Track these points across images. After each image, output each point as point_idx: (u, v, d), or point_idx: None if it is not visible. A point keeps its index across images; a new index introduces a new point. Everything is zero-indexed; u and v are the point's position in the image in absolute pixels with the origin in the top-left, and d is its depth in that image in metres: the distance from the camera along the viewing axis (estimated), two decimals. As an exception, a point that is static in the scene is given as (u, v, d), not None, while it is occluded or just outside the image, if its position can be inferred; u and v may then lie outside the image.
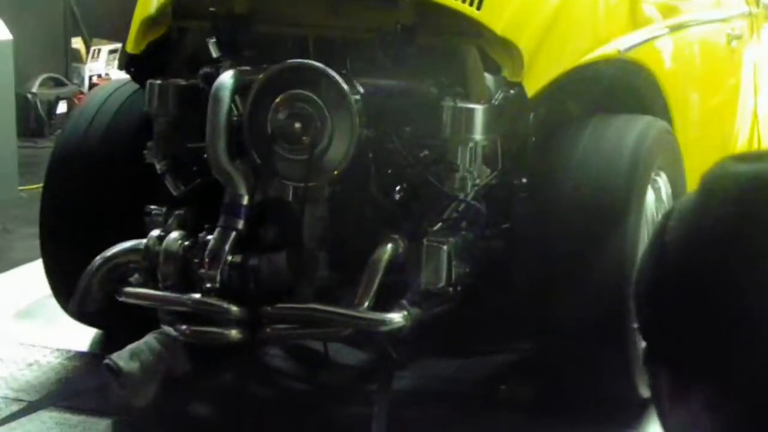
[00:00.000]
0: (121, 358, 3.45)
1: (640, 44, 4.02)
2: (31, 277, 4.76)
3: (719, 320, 1.02)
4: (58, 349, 4.19)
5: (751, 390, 1.01)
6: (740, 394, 1.02)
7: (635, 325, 1.10)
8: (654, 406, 1.09)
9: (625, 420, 3.60)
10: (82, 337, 4.25)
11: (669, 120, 4.08)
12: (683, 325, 1.04)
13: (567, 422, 3.66)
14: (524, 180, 3.71)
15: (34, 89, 7.69)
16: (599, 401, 3.59)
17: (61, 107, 7.77)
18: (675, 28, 4.37)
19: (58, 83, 8.01)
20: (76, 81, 8.24)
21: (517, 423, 3.72)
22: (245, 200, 3.54)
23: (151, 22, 3.91)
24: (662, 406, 1.08)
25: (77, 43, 8.39)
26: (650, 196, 3.78)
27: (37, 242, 4.29)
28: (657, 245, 1.08)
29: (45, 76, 7.85)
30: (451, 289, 3.51)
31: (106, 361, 3.47)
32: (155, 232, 3.62)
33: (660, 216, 1.13)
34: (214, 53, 3.75)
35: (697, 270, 1.03)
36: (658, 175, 3.85)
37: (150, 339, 3.51)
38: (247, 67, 3.67)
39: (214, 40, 3.75)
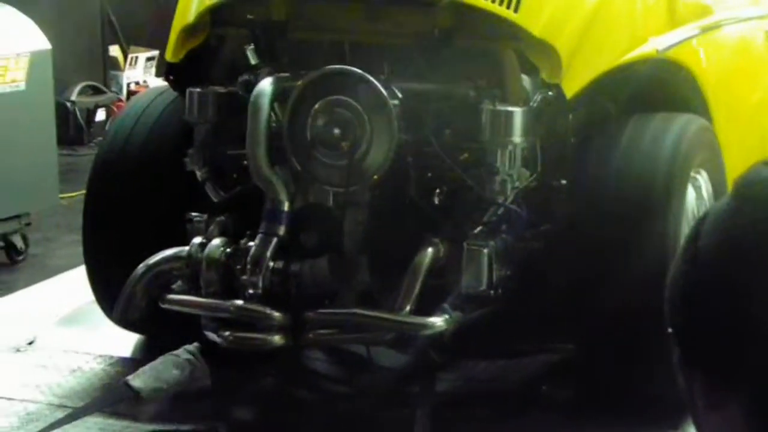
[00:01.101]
0: (138, 377, 3.47)
1: (678, 43, 4.01)
2: (73, 284, 4.79)
3: (753, 325, 1.02)
4: (101, 356, 4.21)
5: None
6: None
7: (669, 330, 1.10)
8: (688, 410, 1.09)
9: (667, 420, 3.59)
10: (125, 343, 4.27)
11: (708, 119, 4.06)
12: (717, 330, 1.04)
13: (607, 422, 3.65)
14: (564, 182, 3.70)
15: (73, 97, 7.76)
16: (641, 401, 3.58)
17: (100, 115, 7.83)
18: (712, 27, 4.35)
19: (97, 91, 8.07)
20: (114, 89, 8.30)
21: (558, 423, 3.72)
22: (286, 206, 3.55)
23: (190, 31, 3.94)
24: (696, 412, 1.08)
25: (115, 51, 8.45)
26: (691, 193, 3.77)
27: (78, 249, 4.32)
28: (690, 250, 1.07)
29: (83, 84, 7.91)
30: (491, 291, 3.52)
31: (125, 381, 3.49)
32: (197, 239, 3.64)
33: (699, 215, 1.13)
34: (253, 60, 3.76)
35: (730, 275, 1.03)
36: (698, 172, 3.84)
37: (168, 358, 3.54)
38: (286, 74, 3.69)
39: (252, 47, 3.76)
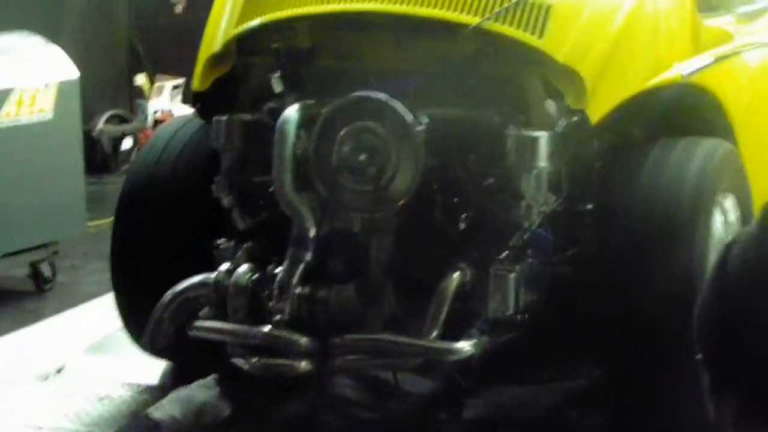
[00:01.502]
0: (159, 409, 3.49)
1: (702, 68, 4.01)
2: (101, 312, 4.82)
3: None
4: (128, 383, 4.23)
5: None
6: None
7: (698, 356, 1.10)
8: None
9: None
10: (152, 370, 4.29)
11: (734, 143, 4.06)
12: (748, 355, 1.04)
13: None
14: (590, 206, 3.71)
15: (100, 126, 7.81)
16: (670, 427, 3.57)
17: (126, 143, 7.88)
18: (737, 51, 4.35)
19: (123, 120, 8.12)
20: (140, 117, 8.36)
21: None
22: (312, 232, 3.56)
23: (216, 60, 3.97)
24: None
25: (141, 79, 8.51)
26: (718, 218, 3.76)
27: (106, 277, 4.34)
28: (718, 276, 1.09)
29: (110, 113, 7.97)
30: (519, 316, 3.52)
31: (147, 412, 3.50)
32: (224, 266, 3.66)
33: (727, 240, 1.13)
34: (278, 88, 3.79)
35: (758, 301, 1.04)
36: (725, 197, 3.83)
37: (189, 389, 3.55)
38: (311, 101, 3.71)
39: (278, 75, 3.79)
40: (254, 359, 3.52)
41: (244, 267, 3.61)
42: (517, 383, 4.17)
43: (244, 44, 3.93)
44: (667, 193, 3.61)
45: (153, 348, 3.90)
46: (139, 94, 8.47)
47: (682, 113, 3.97)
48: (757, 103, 4.46)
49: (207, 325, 3.64)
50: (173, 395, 3.58)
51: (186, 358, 4.11)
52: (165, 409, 3.51)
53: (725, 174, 3.82)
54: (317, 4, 3.74)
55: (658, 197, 3.60)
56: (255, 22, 3.86)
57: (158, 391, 4.22)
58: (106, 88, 8.09)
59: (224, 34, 3.92)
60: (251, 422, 3.90)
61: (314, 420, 4.04)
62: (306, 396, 4.05)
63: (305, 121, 3.63)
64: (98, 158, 7.64)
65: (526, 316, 3.54)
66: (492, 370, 3.79)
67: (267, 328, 3.51)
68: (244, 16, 3.89)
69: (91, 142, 7.43)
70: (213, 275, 3.66)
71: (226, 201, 3.86)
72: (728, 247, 1.10)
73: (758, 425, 1.05)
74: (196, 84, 4.04)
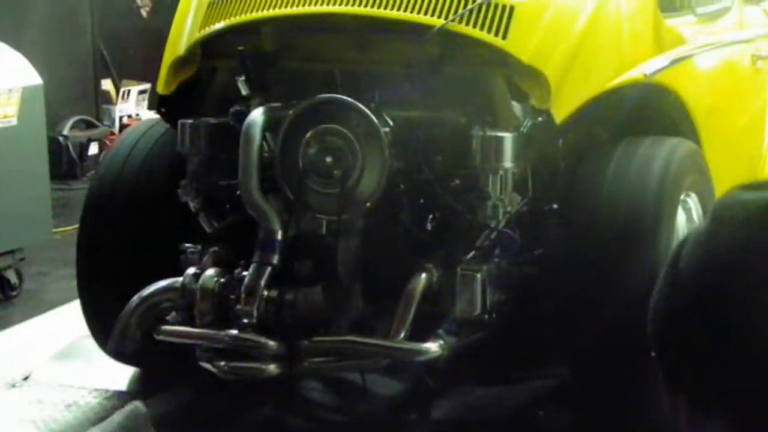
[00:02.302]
0: None
1: (665, 68, 4.04)
2: (68, 318, 4.80)
3: (733, 347, 1.03)
4: (96, 390, 4.20)
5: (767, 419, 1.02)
6: (759, 421, 1.03)
7: (652, 353, 1.11)
8: (673, 430, 1.10)
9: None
10: (120, 376, 4.27)
11: (697, 142, 4.09)
12: (699, 352, 1.05)
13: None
14: (555, 206, 3.73)
15: (66, 131, 7.77)
16: (636, 424, 3.58)
17: (93, 149, 7.85)
18: (700, 51, 4.39)
19: (89, 125, 8.09)
20: (106, 122, 8.33)
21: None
22: (279, 235, 3.56)
23: (180, 63, 3.96)
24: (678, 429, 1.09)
25: (107, 84, 8.48)
26: (681, 216, 3.79)
27: (72, 283, 4.33)
28: (670, 273, 1.10)
29: (76, 118, 7.93)
30: (486, 316, 3.53)
31: None
32: (191, 270, 3.65)
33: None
34: (244, 91, 3.78)
35: (709, 297, 1.05)
36: (688, 195, 3.86)
37: (112, 420, 3.55)
38: (277, 104, 3.71)
39: (243, 78, 3.78)
40: (222, 363, 3.52)
41: (210, 271, 3.61)
42: (485, 384, 4.19)
43: (209, 47, 3.93)
44: (630, 192, 3.63)
45: (120, 353, 3.89)
46: (105, 99, 8.44)
47: (646, 113, 4.00)
48: (719, 102, 4.50)
49: (174, 329, 3.64)
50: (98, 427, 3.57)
51: (153, 363, 4.10)
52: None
53: (688, 173, 3.84)
54: (281, 7, 3.74)
55: (622, 197, 3.62)
56: (219, 25, 3.86)
57: (126, 397, 4.20)
58: (71, 94, 8.05)
59: (188, 37, 3.91)
60: (220, 426, 3.89)
61: (283, 423, 4.04)
62: (275, 399, 4.04)
63: (271, 124, 3.64)
64: (64, 164, 7.60)
65: (494, 316, 3.55)
66: (460, 371, 3.80)
67: (234, 331, 3.51)
68: (208, 19, 3.88)
69: (57, 148, 7.40)
70: (180, 279, 3.65)
71: (192, 205, 3.86)
72: (680, 245, 1.11)
73: (709, 422, 1.06)
74: (161, 88, 4.02)
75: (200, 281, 3.58)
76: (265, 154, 3.65)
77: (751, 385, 1.03)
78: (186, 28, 3.94)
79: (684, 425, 1.08)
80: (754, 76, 4.88)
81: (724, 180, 4.16)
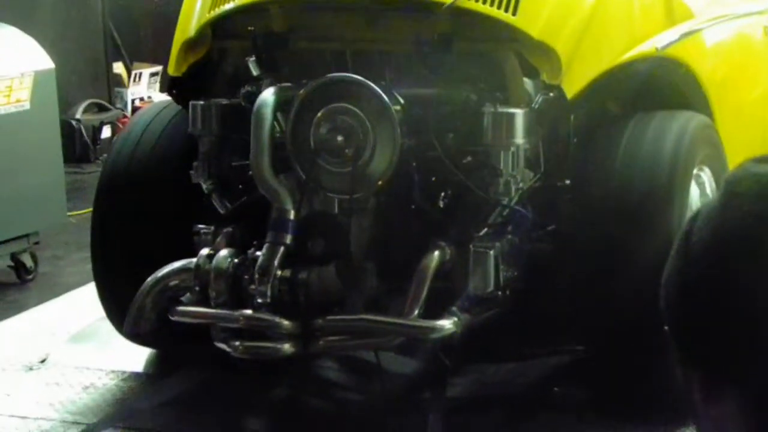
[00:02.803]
0: None
1: (677, 41, 4.02)
2: (84, 301, 4.82)
3: (747, 321, 1.03)
4: (113, 371, 4.23)
5: None
6: None
7: (665, 328, 1.11)
8: (688, 405, 1.10)
9: (679, 418, 3.59)
10: (136, 358, 4.29)
11: (710, 115, 4.07)
12: (712, 326, 1.05)
13: (620, 422, 3.65)
14: (567, 182, 3.72)
15: (78, 115, 7.78)
16: (652, 400, 3.59)
17: (105, 132, 7.86)
18: (711, 23, 4.36)
19: (102, 108, 8.10)
20: (119, 105, 8.33)
21: (570, 424, 3.72)
22: (292, 215, 3.57)
23: (191, 44, 3.96)
24: (695, 407, 1.09)
25: (118, 67, 8.48)
26: (695, 190, 3.78)
27: (87, 267, 4.34)
28: (683, 247, 1.09)
29: (88, 101, 7.94)
30: (499, 293, 3.53)
31: None
32: (205, 251, 3.66)
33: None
34: (255, 72, 3.78)
35: (722, 271, 1.04)
36: (701, 169, 3.85)
37: None
38: (288, 84, 3.71)
39: (253, 58, 3.78)
40: (237, 343, 3.53)
41: (224, 251, 3.61)
42: (500, 361, 4.19)
43: (219, 28, 3.93)
44: (643, 167, 3.62)
45: (135, 335, 3.91)
46: (117, 82, 8.44)
47: (658, 86, 3.99)
48: (731, 75, 4.48)
49: (189, 309, 3.65)
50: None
51: (169, 345, 4.12)
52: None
53: (701, 147, 3.83)
54: (291, -14, 3.74)
55: (634, 171, 3.61)
56: (229, 5, 3.85)
57: (143, 378, 4.22)
58: (83, 77, 8.06)
59: (198, 18, 3.91)
60: (235, 406, 3.91)
61: (299, 403, 4.05)
62: (290, 379, 4.06)
63: (282, 104, 3.63)
64: (77, 148, 7.61)
65: (507, 292, 3.55)
66: (475, 348, 3.81)
67: (249, 311, 3.52)
68: (218, 0, 3.88)
69: (70, 132, 7.41)
70: (194, 260, 3.66)
71: (205, 186, 3.86)
72: (692, 219, 1.11)
73: (724, 396, 1.06)
74: (172, 69, 4.02)
75: (214, 262, 3.59)
76: (277, 134, 3.65)
77: (766, 358, 1.02)
78: (196, 10, 3.94)
79: (699, 400, 1.08)
80: (766, 48, 4.85)
81: (738, 153, 4.14)
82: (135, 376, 4.22)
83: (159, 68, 8.31)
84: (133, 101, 8.36)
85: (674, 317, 1.09)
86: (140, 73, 8.49)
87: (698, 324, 1.06)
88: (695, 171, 3.79)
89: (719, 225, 1.07)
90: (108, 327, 4.25)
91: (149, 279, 3.68)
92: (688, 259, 1.08)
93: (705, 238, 1.07)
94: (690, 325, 1.08)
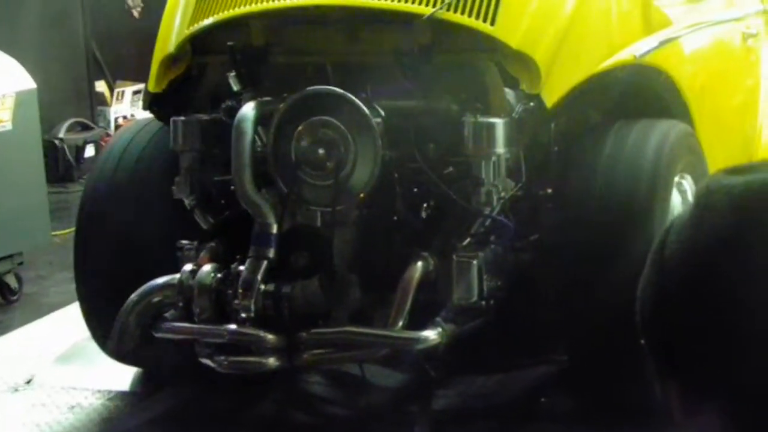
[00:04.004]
0: None
1: (655, 48, 4.04)
2: (69, 321, 4.80)
3: (722, 331, 1.03)
4: (99, 391, 4.21)
5: (760, 401, 1.02)
6: (749, 406, 1.03)
7: (642, 341, 1.11)
8: (667, 417, 1.10)
9: (667, 426, 3.58)
10: (122, 376, 4.28)
11: (690, 122, 4.09)
12: (686, 338, 1.05)
13: (610, 430, 3.65)
14: (549, 190, 3.72)
15: (61, 134, 7.78)
16: (638, 409, 3.58)
17: (89, 151, 7.85)
18: (689, 30, 4.38)
19: (85, 127, 8.10)
20: (102, 124, 8.33)
21: (559, 434, 3.72)
22: (274, 229, 3.57)
23: (170, 60, 3.96)
24: (675, 419, 1.09)
25: (101, 86, 8.49)
26: (676, 198, 3.79)
27: (72, 286, 4.33)
28: (657, 261, 1.09)
29: (71, 121, 7.94)
30: (483, 303, 3.53)
31: None
32: (188, 267, 3.65)
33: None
34: (235, 87, 3.78)
35: (696, 283, 1.05)
36: (683, 177, 3.86)
37: None
38: (268, 98, 3.71)
39: (233, 73, 3.78)
40: (222, 358, 3.52)
41: (207, 267, 3.61)
42: (486, 372, 4.18)
43: (198, 44, 3.92)
44: (624, 175, 3.63)
45: (119, 353, 3.89)
46: (100, 101, 8.45)
47: (638, 94, 4.00)
48: (710, 82, 4.49)
49: (173, 325, 3.64)
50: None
51: (153, 363, 4.10)
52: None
53: (682, 155, 3.84)
54: (269, 1, 3.74)
55: (615, 180, 3.62)
56: (208, 21, 3.85)
57: (129, 398, 4.21)
58: (66, 97, 8.06)
59: (178, 34, 3.91)
60: (223, 424, 3.90)
61: (285, 419, 4.04)
62: (276, 394, 4.05)
63: (262, 118, 3.64)
64: (61, 167, 7.61)
65: (491, 302, 3.55)
66: (461, 360, 3.80)
67: (233, 326, 3.51)
68: (196, 15, 3.88)
69: (53, 151, 7.41)
70: (177, 276, 3.65)
71: (187, 202, 3.86)
72: (666, 231, 1.11)
73: (703, 407, 1.06)
74: (152, 86, 4.02)
75: (197, 277, 3.58)
76: (258, 149, 3.65)
77: (743, 368, 1.02)
78: (175, 26, 3.94)
79: (678, 412, 1.08)
80: (745, 55, 4.87)
81: (719, 161, 4.16)
82: (121, 395, 4.20)
83: (142, 86, 8.29)
84: (116, 119, 8.36)
85: (649, 330, 1.09)
86: (123, 92, 8.49)
87: (673, 337, 1.07)
88: (677, 179, 3.80)
89: (693, 238, 1.07)
90: (94, 346, 4.23)
91: (132, 296, 3.67)
92: (662, 272, 1.08)
93: (678, 251, 1.08)
94: (665, 338, 1.08)
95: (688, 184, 3.89)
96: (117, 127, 8.11)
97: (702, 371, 1.05)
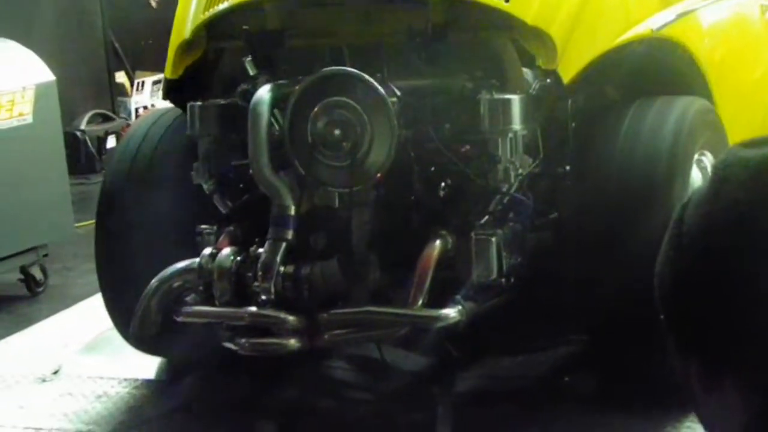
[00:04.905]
0: None
1: (672, 21, 4.01)
2: (94, 311, 4.81)
3: (742, 307, 1.02)
4: (125, 379, 4.23)
5: None
6: None
7: (661, 318, 1.10)
8: (686, 394, 1.10)
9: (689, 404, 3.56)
10: (148, 365, 4.29)
11: (709, 98, 4.05)
12: (706, 313, 1.04)
13: (633, 410, 3.63)
14: (568, 168, 3.71)
15: (83, 126, 7.82)
16: (659, 387, 3.56)
17: (111, 142, 7.89)
18: (707, 3, 4.34)
19: (106, 118, 8.14)
20: (123, 115, 8.37)
21: (583, 414, 3.70)
22: (292, 210, 3.56)
23: (187, 46, 3.96)
24: (694, 396, 1.09)
25: (121, 77, 8.53)
26: (697, 175, 3.76)
27: (96, 277, 4.34)
28: (675, 236, 1.08)
29: (92, 112, 7.98)
30: (503, 280, 3.52)
31: None
32: (207, 250, 3.65)
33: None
34: (251, 71, 3.77)
35: (713, 257, 1.04)
36: (703, 154, 3.83)
37: None
38: (283, 81, 3.71)
39: (249, 58, 3.78)
40: (243, 340, 3.52)
41: (227, 250, 3.61)
42: (508, 353, 4.17)
43: (214, 29, 3.93)
44: (644, 153, 3.61)
45: (141, 338, 3.90)
46: (120, 91, 8.48)
47: (656, 70, 3.97)
48: (729, 56, 4.45)
49: (194, 309, 3.64)
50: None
51: (176, 351, 4.11)
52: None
53: (702, 132, 3.81)
54: (284, -16, 3.74)
55: (635, 158, 3.60)
56: (223, 6, 3.85)
57: (156, 386, 4.22)
58: (86, 88, 8.09)
59: (193, 20, 3.91)
60: (247, 410, 3.90)
61: (307, 404, 4.04)
62: (298, 379, 4.05)
63: (278, 101, 3.63)
64: (83, 159, 7.64)
65: (511, 279, 3.54)
66: (483, 340, 3.79)
67: (253, 308, 3.51)
68: (212, 1, 3.88)
69: (74, 143, 7.44)
70: (197, 260, 3.65)
71: (206, 187, 3.86)
72: (683, 206, 1.10)
73: (722, 384, 1.05)
74: (168, 72, 4.03)
75: (217, 261, 3.58)
76: (275, 132, 3.65)
77: (762, 343, 1.01)
78: (191, 11, 3.94)
79: (697, 389, 1.08)
80: (764, 28, 4.82)
81: (739, 135, 4.12)
82: (147, 383, 4.22)
83: (161, 76, 8.33)
84: (136, 110, 8.39)
85: (669, 306, 1.09)
86: (143, 82, 8.52)
87: (693, 312, 1.06)
88: (696, 156, 3.78)
89: (709, 212, 1.06)
90: (119, 336, 4.24)
91: (153, 281, 3.68)
92: (681, 247, 1.07)
93: (696, 226, 1.07)
94: (685, 314, 1.07)
95: (708, 161, 3.86)
96: (138, 117, 8.14)
97: (721, 347, 1.04)
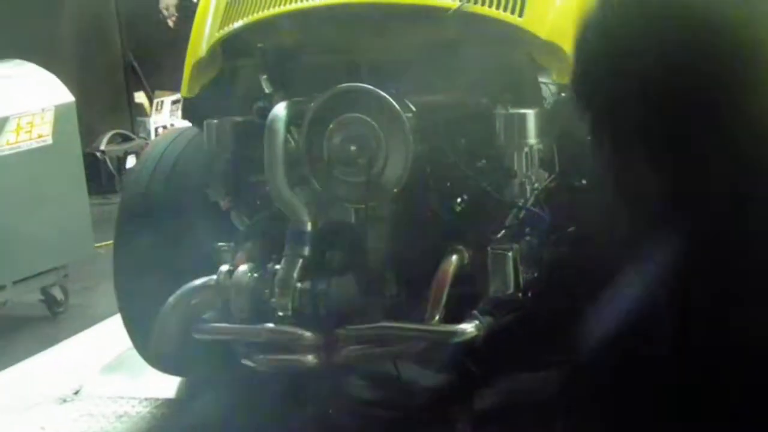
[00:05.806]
0: None
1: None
2: (115, 331, 4.82)
3: (628, 77, 1.12)
4: (146, 399, 4.24)
5: (682, 143, 1.05)
6: (674, 145, 1.06)
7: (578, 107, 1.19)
8: (602, 179, 1.16)
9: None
10: (168, 384, 4.30)
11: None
12: (607, 90, 1.11)
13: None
14: (584, 181, 3.70)
15: (102, 146, 7.88)
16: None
17: (130, 162, 7.94)
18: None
19: (125, 138, 8.19)
20: (142, 134, 8.42)
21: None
22: (309, 227, 3.57)
23: (203, 65, 3.98)
24: (610, 177, 1.15)
25: (140, 97, 8.58)
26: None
27: (117, 296, 4.35)
28: (597, 12, 1.22)
29: (112, 132, 8.04)
30: (520, 295, 3.51)
31: None
32: (224, 267, 3.66)
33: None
34: (267, 88, 3.79)
35: (608, 30, 1.13)
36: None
37: None
38: (299, 97, 3.72)
39: (265, 75, 3.80)
40: (261, 357, 3.53)
41: (244, 266, 3.62)
42: (527, 369, 4.15)
43: (229, 47, 3.94)
44: None
45: (159, 356, 3.91)
46: (139, 111, 8.53)
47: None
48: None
49: (212, 326, 3.65)
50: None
51: (195, 370, 4.11)
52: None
53: None
54: (298, 1, 3.75)
55: None
56: (238, 23, 3.87)
57: (176, 405, 4.23)
58: (106, 109, 8.15)
59: (209, 38, 3.93)
60: (265, 428, 3.90)
61: (327, 422, 4.03)
62: (318, 397, 4.04)
63: (294, 117, 3.64)
64: (103, 179, 7.69)
65: (528, 294, 3.53)
66: (502, 357, 3.77)
67: (271, 325, 3.51)
68: (227, 19, 3.90)
69: (95, 163, 7.48)
70: (214, 277, 3.66)
71: (223, 204, 3.87)
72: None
73: (633, 158, 1.10)
74: (185, 91, 4.04)
75: (234, 277, 3.59)
76: (291, 148, 3.66)
77: (658, 109, 1.11)
78: (206, 30, 3.96)
79: (611, 167, 1.13)
80: None
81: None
82: (168, 402, 4.23)
83: (180, 95, 8.38)
84: (156, 129, 8.44)
85: (583, 83, 1.17)
86: (162, 101, 8.57)
87: (597, 88, 1.20)
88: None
89: None
90: (138, 356, 4.25)
91: (170, 299, 3.69)
92: (585, 26, 1.25)
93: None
94: (589, 79, 1.23)
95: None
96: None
97: (623, 119, 1.15)
